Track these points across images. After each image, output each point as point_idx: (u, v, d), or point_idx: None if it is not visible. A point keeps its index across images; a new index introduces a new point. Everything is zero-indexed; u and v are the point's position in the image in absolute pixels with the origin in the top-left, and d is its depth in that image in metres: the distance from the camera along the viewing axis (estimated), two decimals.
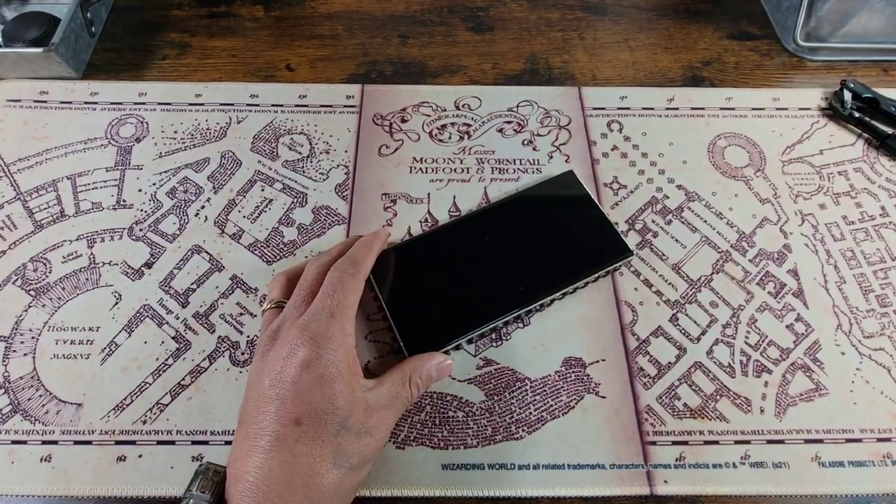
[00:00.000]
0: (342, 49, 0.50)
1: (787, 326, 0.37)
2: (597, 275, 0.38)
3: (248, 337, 0.36)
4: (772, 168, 0.44)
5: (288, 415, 0.27)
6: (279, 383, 0.28)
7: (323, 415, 0.27)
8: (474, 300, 0.36)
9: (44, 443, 0.33)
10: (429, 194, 0.42)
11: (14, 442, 0.33)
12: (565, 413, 0.34)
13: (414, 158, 0.44)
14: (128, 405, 0.34)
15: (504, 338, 0.36)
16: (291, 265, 0.36)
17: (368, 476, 0.31)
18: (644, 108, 0.46)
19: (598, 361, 0.36)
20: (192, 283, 0.38)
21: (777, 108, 0.47)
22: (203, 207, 0.41)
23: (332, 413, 0.27)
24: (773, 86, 0.49)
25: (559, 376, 0.35)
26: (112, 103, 0.46)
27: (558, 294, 0.37)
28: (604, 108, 0.46)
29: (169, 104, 0.46)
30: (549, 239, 0.38)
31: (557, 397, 0.35)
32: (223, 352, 0.36)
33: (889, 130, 0.44)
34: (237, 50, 0.50)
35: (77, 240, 0.40)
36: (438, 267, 0.37)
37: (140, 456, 0.33)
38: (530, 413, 0.34)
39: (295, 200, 0.42)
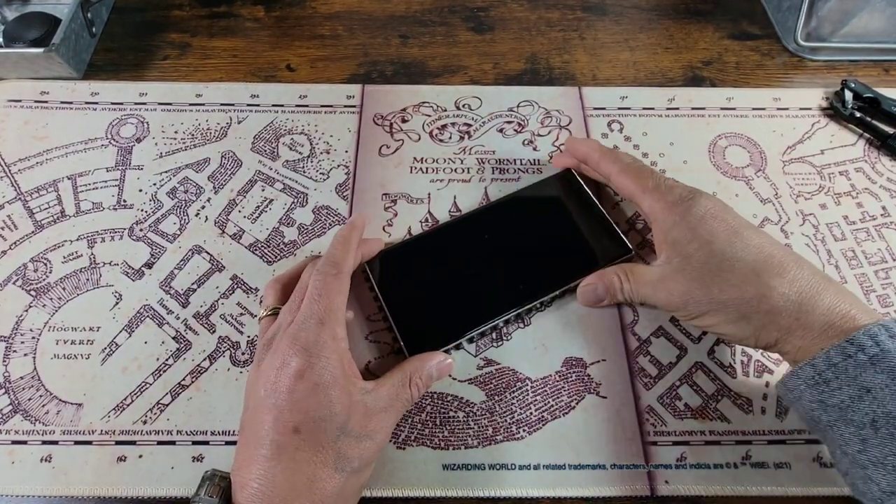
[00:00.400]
0: (343, 49, 0.50)
1: None
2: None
3: (249, 337, 0.36)
4: (773, 168, 0.44)
5: (286, 424, 0.27)
6: (275, 393, 0.28)
7: (321, 422, 0.27)
8: (474, 299, 0.36)
9: (44, 443, 0.33)
10: (429, 194, 0.42)
11: (14, 442, 0.33)
12: (566, 413, 0.34)
13: (414, 158, 0.44)
14: (128, 405, 0.34)
15: (505, 338, 0.36)
16: (286, 269, 0.36)
17: (369, 477, 0.31)
18: (645, 108, 0.46)
19: (598, 361, 0.36)
20: (192, 284, 0.38)
21: (778, 108, 0.47)
22: (203, 207, 0.41)
23: (330, 420, 0.27)
24: (773, 86, 0.48)
25: (560, 376, 0.35)
26: (112, 103, 0.46)
27: (558, 292, 0.37)
28: (604, 108, 0.46)
29: (169, 104, 0.46)
30: (548, 238, 0.38)
31: (558, 397, 0.35)
32: (223, 352, 0.36)
33: (890, 130, 0.44)
34: (238, 50, 0.50)
35: (77, 240, 0.40)
36: (437, 266, 0.37)
37: (140, 456, 0.33)
38: (531, 413, 0.34)
39: (295, 200, 0.42)
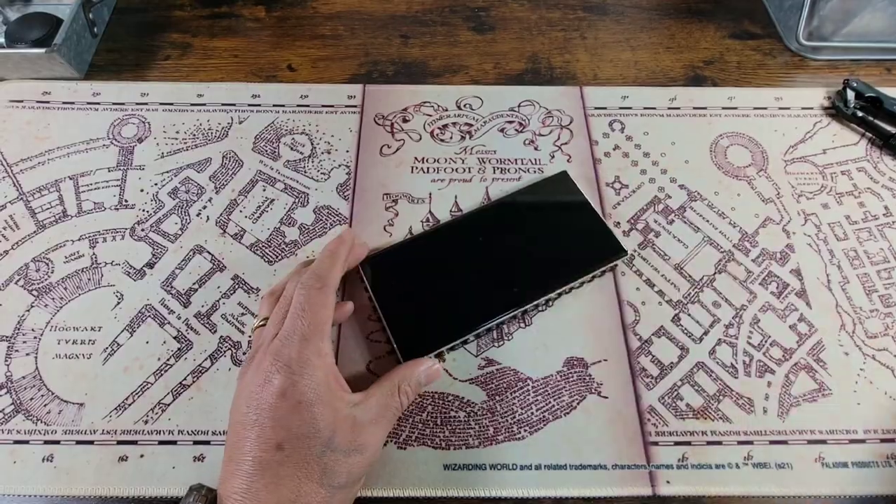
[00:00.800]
0: (344, 49, 0.50)
1: (790, 326, 0.37)
2: (591, 275, 0.37)
3: (250, 337, 0.36)
4: (774, 167, 0.44)
5: (268, 441, 0.27)
6: (257, 410, 0.28)
7: (304, 439, 0.27)
8: (467, 302, 0.36)
9: (46, 443, 0.33)
10: (430, 194, 0.42)
11: (16, 442, 0.33)
12: (567, 413, 0.34)
13: (415, 158, 0.44)
14: (129, 405, 0.34)
15: (506, 338, 0.36)
16: (281, 280, 0.35)
17: (370, 477, 0.31)
18: (646, 108, 0.46)
19: (600, 361, 0.36)
20: (193, 283, 0.38)
21: (779, 108, 0.47)
22: (205, 207, 0.41)
23: (314, 437, 0.27)
24: (775, 85, 0.48)
25: (561, 376, 0.35)
26: (114, 104, 0.46)
27: (553, 294, 0.36)
28: (605, 108, 0.46)
29: (171, 104, 0.46)
30: (543, 240, 0.38)
31: (559, 397, 0.35)
32: (224, 352, 0.36)
33: (892, 130, 0.44)
34: (239, 50, 0.50)
35: (79, 240, 0.40)
36: (431, 269, 0.37)
37: (142, 456, 0.33)
38: (532, 413, 0.34)
39: (296, 200, 0.42)
